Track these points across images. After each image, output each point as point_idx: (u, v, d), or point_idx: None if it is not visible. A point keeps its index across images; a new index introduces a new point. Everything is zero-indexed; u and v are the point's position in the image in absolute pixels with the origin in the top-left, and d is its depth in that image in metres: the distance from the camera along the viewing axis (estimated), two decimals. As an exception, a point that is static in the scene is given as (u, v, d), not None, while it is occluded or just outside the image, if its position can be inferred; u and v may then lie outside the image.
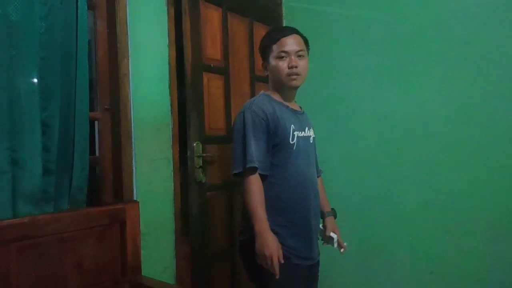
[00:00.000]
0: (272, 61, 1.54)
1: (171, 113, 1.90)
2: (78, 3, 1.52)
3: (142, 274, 1.65)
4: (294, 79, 1.52)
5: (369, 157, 2.26)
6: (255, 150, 1.42)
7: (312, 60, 2.43)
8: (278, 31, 1.61)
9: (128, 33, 1.72)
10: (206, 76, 2.00)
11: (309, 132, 1.61)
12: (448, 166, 2.00)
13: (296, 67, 1.51)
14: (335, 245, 1.70)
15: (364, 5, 2.27)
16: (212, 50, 2.08)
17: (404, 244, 2.15)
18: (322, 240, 1.72)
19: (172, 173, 1.90)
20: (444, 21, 2.00)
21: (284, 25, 2.57)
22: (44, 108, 1.45)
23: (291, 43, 1.52)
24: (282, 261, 1.37)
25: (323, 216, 1.74)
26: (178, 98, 1.93)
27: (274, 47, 1.54)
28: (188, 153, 1.90)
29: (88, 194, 1.62)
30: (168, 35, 1.90)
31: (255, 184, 1.41)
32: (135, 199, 1.72)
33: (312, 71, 2.44)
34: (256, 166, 1.41)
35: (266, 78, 2.34)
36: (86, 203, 1.60)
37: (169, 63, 1.90)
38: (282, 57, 1.52)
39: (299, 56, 1.53)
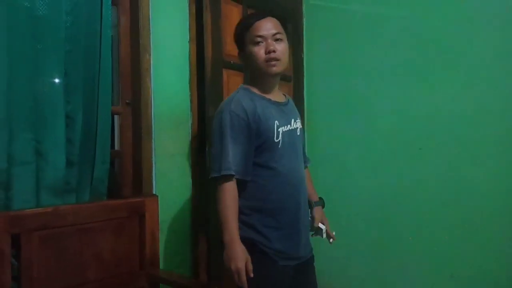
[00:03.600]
0: (248, 48, 1.43)
1: (191, 108, 1.92)
2: (103, -1, 1.56)
3: (160, 267, 1.68)
4: (274, 65, 1.40)
5: (389, 157, 2.23)
6: (233, 155, 1.34)
7: (333, 57, 2.45)
8: (251, 16, 1.49)
9: (150, 29, 1.75)
10: (225, 72, 2.00)
11: (295, 124, 1.51)
12: (470, 166, 1.96)
13: (274, 51, 1.39)
14: (324, 235, 1.65)
15: (385, 2, 2.24)
16: (232, 46, 2.06)
17: (423, 245, 2.11)
18: (311, 231, 1.65)
19: (191, 167, 1.91)
20: (467, 18, 1.95)
21: (304, 23, 2.56)
22: (68, 101, 1.49)
23: (266, 27, 1.41)
24: (251, 275, 1.29)
25: (310, 207, 1.63)
26: (198, 93, 1.94)
27: (248, 33, 1.43)
28: (207, 148, 1.91)
29: (108, 187, 1.64)
30: (189, 31, 1.92)
31: (228, 192, 1.34)
32: (154, 192, 1.74)
33: (333, 69, 2.45)
34: (233, 173, 1.34)
35: (285, 76, 2.36)
36: (106, 195, 1.63)
37: (190, 59, 1.92)
38: (258, 42, 1.41)
39: (277, 39, 1.41)
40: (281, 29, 1.45)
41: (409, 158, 2.16)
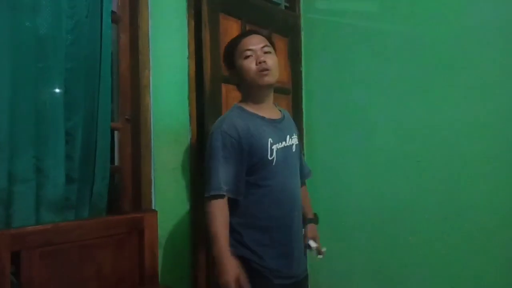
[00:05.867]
0: (239, 63, 1.46)
1: (190, 123, 1.93)
2: (103, 17, 1.58)
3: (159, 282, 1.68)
4: (266, 75, 1.42)
5: (388, 170, 2.23)
6: (223, 174, 1.35)
7: (331, 71, 2.47)
8: (238, 36, 1.56)
9: (150, 46, 1.77)
10: (224, 87, 2.02)
11: (291, 140, 1.52)
12: (470, 180, 1.96)
13: (264, 61, 1.42)
14: (314, 253, 1.66)
15: (384, 17, 2.26)
16: (231, 61, 2.10)
17: (423, 259, 2.11)
18: None
19: (190, 182, 1.92)
20: (465, 32, 1.97)
21: (302, 36, 2.59)
22: (68, 118, 1.51)
23: (254, 41, 1.46)
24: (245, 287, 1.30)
25: (304, 223, 1.65)
26: (197, 109, 1.96)
27: (237, 49, 1.47)
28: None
29: (108, 203, 1.65)
30: (188, 47, 1.94)
31: (217, 209, 1.35)
32: (153, 208, 1.75)
33: (331, 82, 2.47)
34: (223, 193, 1.35)
35: (283, 89, 2.38)
36: (106, 211, 1.63)
37: (189, 75, 1.93)
38: (248, 56, 1.44)
39: (266, 52, 1.45)
40: (268, 43, 1.49)
41: (407, 171, 2.16)
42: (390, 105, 2.23)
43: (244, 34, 1.54)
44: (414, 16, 2.15)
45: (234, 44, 1.50)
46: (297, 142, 1.57)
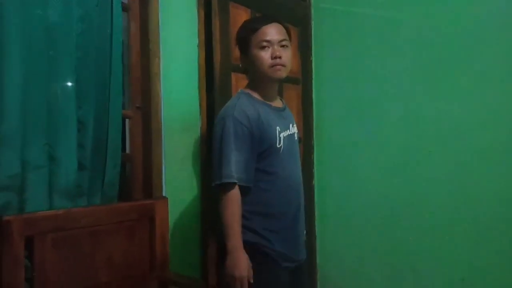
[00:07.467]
0: (253, 52, 1.43)
1: (200, 112, 1.94)
2: (113, 5, 1.58)
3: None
4: (279, 70, 1.42)
5: (399, 160, 2.22)
6: (235, 163, 1.34)
7: (342, 61, 2.45)
8: (257, 20, 1.51)
9: (160, 34, 1.77)
10: (234, 76, 2.02)
11: (293, 129, 1.54)
12: (481, 170, 1.94)
13: (280, 57, 1.40)
14: None
15: (395, 8, 2.23)
16: (241, 50, 2.09)
17: (434, 249, 2.10)
18: None
19: (200, 171, 1.93)
20: (476, 22, 1.94)
21: (313, 26, 2.56)
22: (80, 106, 1.52)
23: (273, 32, 1.42)
24: (251, 281, 1.32)
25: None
26: (207, 97, 1.96)
27: (254, 37, 1.42)
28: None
29: (119, 190, 1.66)
30: (198, 36, 1.93)
31: (232, 199, 1.34)
32: (164, 195, 1.76)
33: (341, 72, 2.45)
34: (235, 181, 1.34)
35: (293, 79, 2.37)
36: (117, 198, 1.65)
37: (199, 63, 1.93)
38: (264, 47, 1.41)
39: (283, 46, 1.43)
40: (286, 36, 1.47)
41: (419, 161, 2.14)
42: (401, 96, 2.21)
43: (264, 20, 1.47)
44: (426, 5, 2.12)
45: (252, 29, 1.44)
46: (297, 131, 1.59)
